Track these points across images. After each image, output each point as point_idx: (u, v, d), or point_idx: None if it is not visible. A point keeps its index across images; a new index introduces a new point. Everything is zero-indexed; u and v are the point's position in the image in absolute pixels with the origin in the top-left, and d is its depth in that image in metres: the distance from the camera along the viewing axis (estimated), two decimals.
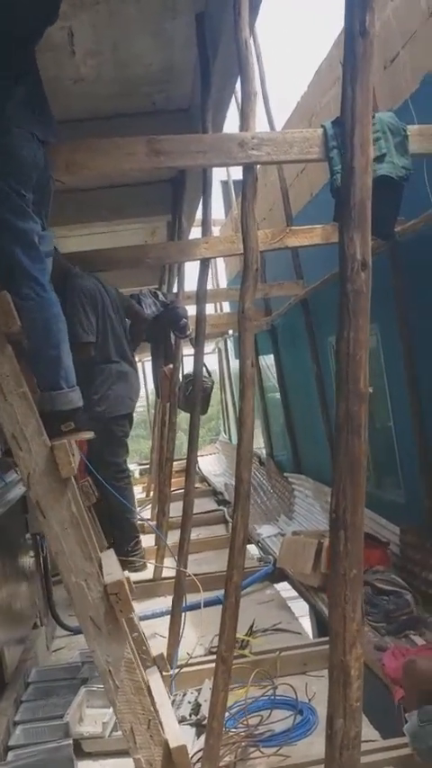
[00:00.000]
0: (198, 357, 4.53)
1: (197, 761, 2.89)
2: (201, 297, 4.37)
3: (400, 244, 4.26)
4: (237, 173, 10.83)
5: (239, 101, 7.54)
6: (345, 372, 1.71)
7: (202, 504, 8.79)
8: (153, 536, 5.71)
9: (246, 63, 3.13)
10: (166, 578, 5.58)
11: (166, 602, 5.19)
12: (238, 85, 4.75)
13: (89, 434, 2.66)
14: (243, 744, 3.12)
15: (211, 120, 4.17)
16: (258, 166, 3.26)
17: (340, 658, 1.65)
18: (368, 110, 1.75)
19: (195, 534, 5.91)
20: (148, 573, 5.62)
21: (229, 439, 15.02)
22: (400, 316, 4.79)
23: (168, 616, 4.41)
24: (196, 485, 4.89)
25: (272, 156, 3.09)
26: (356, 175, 1.72)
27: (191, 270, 6.41)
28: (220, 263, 12.90)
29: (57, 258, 4.03)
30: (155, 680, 2.84)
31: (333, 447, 5.49)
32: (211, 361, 14.81)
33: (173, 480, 5.84)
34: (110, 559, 2.77)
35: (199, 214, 7.69)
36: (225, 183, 11.07)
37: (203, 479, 11.11)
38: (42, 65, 2.76)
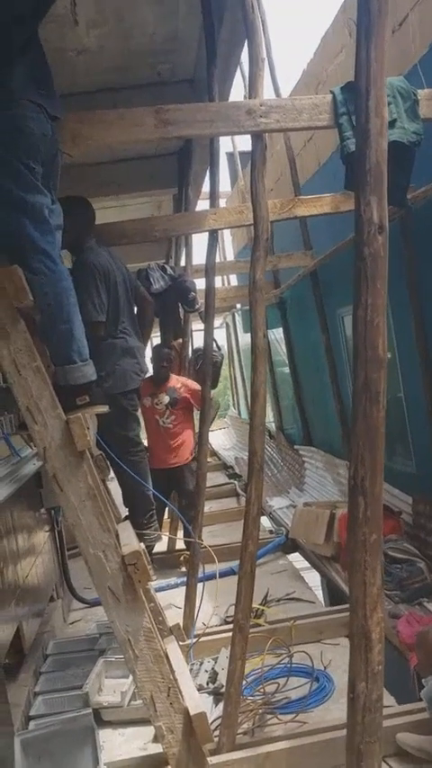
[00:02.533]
0: (208, 330, 4.51)
1: (215, 728, 2.93)
2: (210, 269, 4.34)
3: (412, 211, 4.20)
4: (242, 144, 10.72)
5: (245, 71, 7.45)
6: (362, 339, 1.69)
7: (213, 479, 8.85)
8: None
9: (253, 27, 3.08)
10: (180, 550, 5.64)
11: (180, 573, 5.26)
12: (243, 56, 4.70)
13: (104, 408, 2.66)
14: (260, 711, 3.16)
15: (218, 89, 4.11)
16: (266, 135, 3.22)
17: (361, 623, 1.66)
18: (383, 70, 1.71)
19: (207, 507, 5.95)
20: (162, 545, 5.68)
21: (239, 413, 15.04)
22: (411, 284, 4.75)
23: (183, 587, 4.46)
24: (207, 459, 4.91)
25: (281, 123, 3.05)
26: (371, 138, 1.69)
27: (198, 243, 6.37)
28: (227, 236, 12.81)
29: (70, 230, 4.01)
30: (173, 649, 2.88)
31: (344, 417, 5.51)
32: (220, 336, 14.79)
33: None
34: (126, 531, 2.79)
35: (206, 187, 7.65)
36: (231, 155, 10.94)
37: (214, 453, 11.17)
38: (45, 36, 2.72)
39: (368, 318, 1.68)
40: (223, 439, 13.31)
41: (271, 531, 6.43)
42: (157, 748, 2.93)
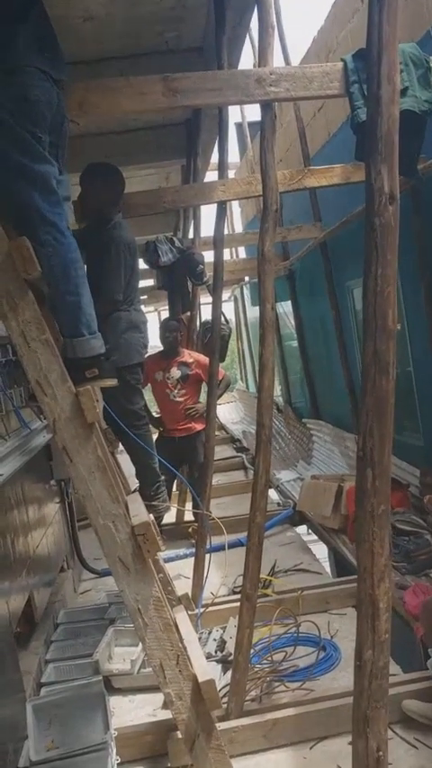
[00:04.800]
0: (216, 303, 4.50)
1: (224, 695, 2.98)
2: (218, 241, 4.31)
3: (422, 182, 4.15)
4: (251, 114, 10.57)
5: (253, 39, 7.33)
6: (372, 309, 1.68)
7: (221, 452, 8.89)
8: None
9: None
10: (188, 522, 5.70)
11: (188, 544, 5.32)
12: (252, 24, 4.61)
13: (113, 381, 2.66)
14: (268, 678, 3.21)
15: (226, 58, 4.04)
16: (275, 105, 3.18)
17: (368, 592, 1.68)
18: (395, 36, 1.67)
19: (215, 480, 5.99)
20: (170, 517, 5.73)
21: (246, 387, 15.05)
22: (422, 256, 4.71)
23: (191, 558, 4.51)
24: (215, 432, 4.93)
25: (291, 92, 3.00)
26: (383, 105, 1.66)
27: (206, 216, 6.32)
28: (235, 207, 12.70)
29: (102, 197, 4.00)
30: (182, 618, 2.92)
31: (353, 391, 5.50)
32: (228, 309, 14.73)
33: None
34: (135, 502, 2.81)
35: (214, 158, 7.56)
36: (239, 126, 10.81)
37: (221, 427, 11.20)
38: (50, 2, 2.67)
39: (378, 289, 1.67)
40: (231, 412, 13.34)
41: (278, 504, 6.48)
42: (166, 714, 2.99)
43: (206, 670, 2.48)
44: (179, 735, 2.56)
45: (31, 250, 2.32)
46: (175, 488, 5.98)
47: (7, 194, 2.39)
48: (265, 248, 2.97)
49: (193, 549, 4.65)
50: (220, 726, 2.63)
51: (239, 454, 9.23)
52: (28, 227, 2.39)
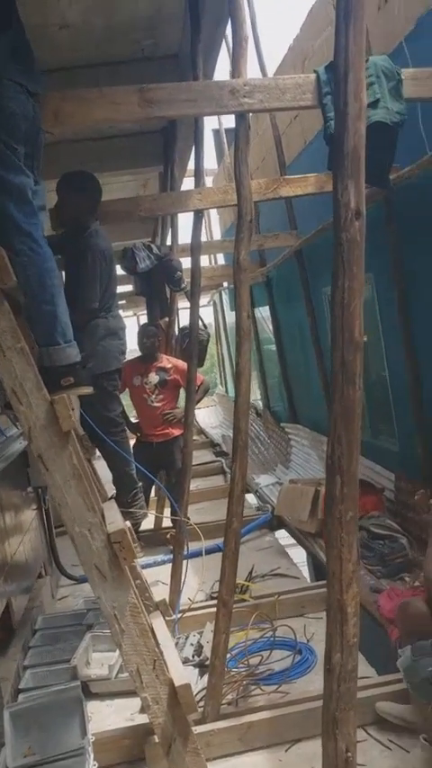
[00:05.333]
0: (194, 309, 4.53)
1: (200, 699, 3.01)
2: (195, 249, 4.34)
3: (395, 192, 4.22)
4: (228, 121, 10.62)
5: (230, 45, 7.35)
6: (340, 321, 1.72)
7: (200, 456, 8.91)
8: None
9: (236, 5, 3.06)
10: (166, 528, 5.71)
11: (166, 550, 5.33)
12: (228, 29, 4.66)
13: (89, 389, 2.68)
14: (244, 682, 3.24)
15: (202, 66, 4.08)
16: (251, 114, 3.22)
17: (337, 597, 1.72)
18: (361, 54, 1.72)
19: (194, 485, 6.01)
20: (148, 523, 5.74)
21: (226, 391, 15.09)
22: (395, 265, 4.78)
23: (169, 564, 4.53)
24: (194, 437, 4.95)
25: (264, 103, 3.04)
26: (350, 122, 1.70)
27: (184, 222, 6.37)
28: (214, 214, 12.76)
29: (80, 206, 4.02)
30: (158, 624, 2.94)
31: (329, 395, 5.54)
32: (207, 314, 14.78)
33: None
34: (111, 510, 2.83)
35: (191, 164, 7.60)
36: (217, 132, 10.87)
37: (201, 432, 11.21)
38: (26, 11, 2.69)
39: (345, 302, 1.71)
40: (210, 417, 13.36)
41: (258, 509, 6.52)
42: (143, 719, 3.01)
43: (182, 674, 2.51)
44: (156, 739, 2.58)
45: (7, 260, 2.33)
46: (153, 494, 5.99)
47: None
48: (240, 257, 3.01)
49: (171, 556, 4.67)
50: (197, 729, 2.66)
51: (219, 459, 9.26)
52: (3, 237, 2.41)
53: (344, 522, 1.73)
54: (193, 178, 5.54)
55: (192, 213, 4.51)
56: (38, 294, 2.50)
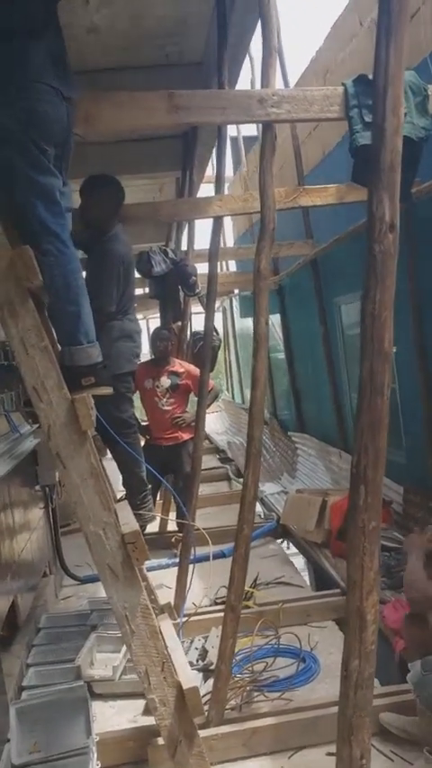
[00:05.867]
0: (209, 315, 4.55)
1: (205, 703, 3.01)
2: (213, 255, 4.36)
3: (415, 205, 4.24)
4: (246, 129, 10.66)
5: (251, 54, 7.36)
6: (370, 332, 1.74)
7: (206, 462, 8.84)
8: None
9: (268, 15, 3.09)
10: (171, 532, 5.72)
11: (170, 554, 5.34)
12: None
13: (109, 390, 2.71)
14: (248, 688, 3.25)
15: (227, 74, 4.11)
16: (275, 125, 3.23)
17: (357, 604, 1.73)
18: (401, 71, 1.74)
19: (199, 491, 6.01)
20: (153, 526, 5.75)
21: (232, 398, 15.10)
22: (411, 278, 4.80)
23: (174, 568, 4.53)
24: None
25: (292, 114, 3.07)
26: (387, 137, 1.73)
27: (199, 228, 6.39)
28: (227, 221, 12.79)
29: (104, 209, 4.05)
30: (166, 626, 2.95)
31: (338, 405, 5.52)
32: (217, 321, 14.77)
33: None
34: (124, 510, 2.85)
35: (209, 171, 7.63)
36: (235, 140, 10.89)
37: (206, 437, 11.21)
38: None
39: (376, 313, 1.73)
40: (216, 423, 13.37)
41: (261, 516, 6.52)
42: (146, 721, 3.03)
43: (190, 677, 2.53)
44: (160, 741, 2.60)
45: (34, 259, 2.36)
46: (159, 497, 6.00)
47: (12, 204, 2.45)
48: (261, 265, 3.02)
49: (176, 559, 4.68)
50: (201, 733, 2.65)
51: (224, 465, 9.27)
52: (31, 237, 2.44)
53: (367, 532, 1.75)
54: (208, 184, 5.57)
55: (207, 219, 4.53)
56: (62, 294, 2.53)
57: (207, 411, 5.58)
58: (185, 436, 5.64)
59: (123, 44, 4.77)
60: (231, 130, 11.02)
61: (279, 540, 5.94)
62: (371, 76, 1.91)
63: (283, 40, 7.51)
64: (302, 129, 7.13)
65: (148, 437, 5.80)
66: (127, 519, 2.66)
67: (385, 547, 4.42)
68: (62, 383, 2.42)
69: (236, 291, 12.31)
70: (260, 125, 3.54)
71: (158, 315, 6.88)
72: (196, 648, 3.71)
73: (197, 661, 3.60)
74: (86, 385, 2.55)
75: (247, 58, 6.39)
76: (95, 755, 2.62)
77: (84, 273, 3.52)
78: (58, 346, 2.62)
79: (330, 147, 6.44)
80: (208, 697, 3.05)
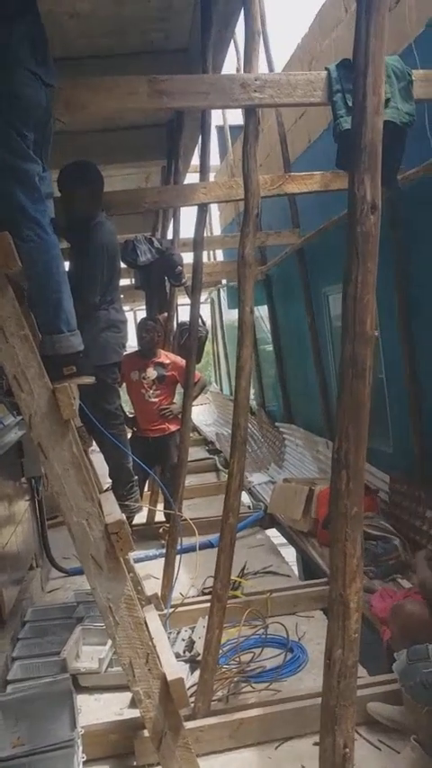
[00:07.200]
0: (194, 305, 4.52)
1: (191, 695, 2.99)
2: (198, 243, 4.33)
3: (401, 192, 4.21)
4: (233, 118, 10.61)
5: (237, 42, 7.30)
6: (352, 315, 1.72)
7: (194, 453, 8.88)
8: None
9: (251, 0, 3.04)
10: (158, 522, 5.70)
11: (158, 545, 5.32)
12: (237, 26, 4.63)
13: (90, 379, 2.67)
14: (235, 679, 3.23)
15: (211, 60, 4.06)
16: (258, 110, 3.20)
17: (340, 592, 1.71)
18: (381, 49, 1.71)
19: (187, 481, 5.97)
20: (141, 517, 5.72)
21: (221, 389, 15.08)
22: (398, 265, 4.78)
23: (161, 559, 4.51)
24: None
25: (275, 98, 3.03)
26: (368, 116, 1.69)
27: (185, 216, 6.33)
28: (214, 210, 12.73)
29: (87, 199, 3.98)
30: (151, 617, 2.93)
31: (326, 396, 5.50)
32: (204, 312, 14.72)
33: None
34: (108, 501, 2.82)
35: (195, 160, 7.56)
36: (221, 129, 10.83)
37: (195, 429, 11.20)
38: None
39: (358, 295, 1.71)
40: (205, 414, 13.36)
41: (249, 507, 6.51)
42: (132, 713, 3.01)
43: (175, 669, 2.51)
44: (146, 733, 2.57)
45: (12, 245, 2.31)
46: (146, 489, 5.97)
47: None
48: (245, 252, 2.99)
49: (163, 550, 4.66)
50: (187, 725, 2.64)
51: (212, 456, 9.26)
52: (10, 223, 2.39)
53: (349, 517, 1.72)
54: (194, 174, 5.50)
55: (193, 208, 4.49)
56: (43, 281, 2.49)
57: (194, 403, 5.56)
58: (172, 427, 5.61)
59: (107, 30, 4.70)
60: (217, 119, 10.96)
61: (267, 530, 5.93)
62: None
63: (271, 27, 7.48)
64: (288, 116, 7.08)
65: (134, 429, 5.77)
66: (111, 509, 2.63)
67: (372, 535, 4.42)
68: (43, 372, 2.38)
69: (224, 282, 12.27)
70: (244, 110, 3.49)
71: (144, 306, 6.83)
72: (183, 639, 3.69)
73: (184, 652, 3.58)
74: (68, 374, 2.51)
75: (233, 47, 6.37)
76: (81, 748, 2.59)
77: (67, 263, 3.47)
78: (39, 335, 2.57)
79: (316, 134, 6.40)
80: (195, 688, 3.03)
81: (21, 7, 2.42)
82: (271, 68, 7.18)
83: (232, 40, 5.20)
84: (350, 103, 2.88)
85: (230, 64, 9.91)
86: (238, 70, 8.58)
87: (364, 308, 1.71)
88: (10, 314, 2.32)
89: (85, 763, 2.59)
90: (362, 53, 1.71)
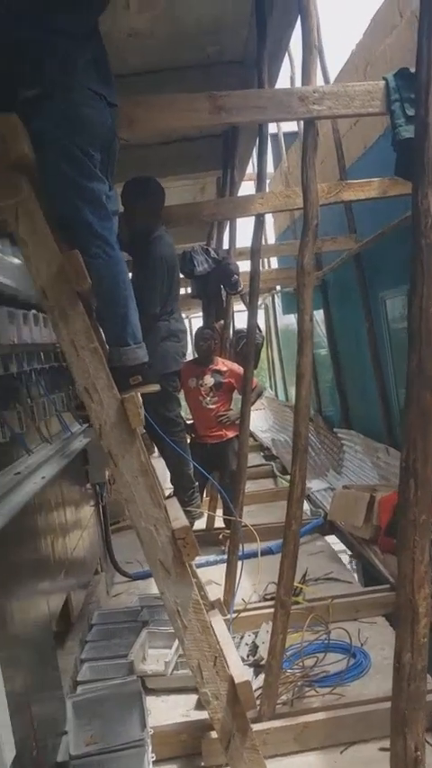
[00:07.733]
0: (252, 313, 4.57)
1: (257, 698, 3.03)
2: (255, 252, 4.38)
3: None
4: (287, 125, 10.62)
5: (290, 51, 7.30)
6: (417, 325, 1.74)
7: (250, 459, 8.85)
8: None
9: (308, 13, 3.09)
10: (218, 528, 5.76)
11: (218, 551, 5.38)
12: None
13: (156, 387, 2.75)
14: (299, 683, 3.26)
15: (267, 72, 4.12)
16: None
17: (408, 597, 1.74)
18: None
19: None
20: (200, 523, 5.79)
21: (276, 395, 15.08)
22: None
23: (222, 565, 4.57)
24: None
25: (333, 110, 3.06)
26: (431, 131, 1.72)
27: (240, 225, 6.40)
28: (268, 218, 12.74)
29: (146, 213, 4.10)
30: (216, 621, 2.99)
31: (385, 401, 5.46)
32: (259, 318, 14.75)
33: None
34: (174, 507, 2.89)
35: (250, 169, 7.63)
36: (275, 136, 10.87)
37: (251, 435, 11.22)
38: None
39: (423, 306, 1.73)
40: (260, 420, 13.37)
41: (307, 513, 6.50)
42: (199, 715, 3.07)
43: (242, 672, 2.56)
44: (214, 735, 2.63)
45: (83, 263, 2.41)
46: (205, 495, 6.05)
47: (61, 210, 2.50)
48: (304, 261, 3.03)
49: (224, 556, 4.71)
50: (253, 727, 2.68)
51: (268, 462, 9.27)
52: (79, 241, 2.49)
53: (417, 525, 1.75)
54: (248, 182, 5.55)
55: (249, 217, 4.55)
56: (110, 296, 2.58)
57: (251, 409, 5.61)
58: (230, 434, 5.67)
59: (164, 46, 4.81)
60: (272, 127, 11.00)
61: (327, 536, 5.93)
62: (412, 69, 1.91)
63: (323, 33, 7.48)
64: (343, 123, 7.08)
65: (193, 435, 5.85)
66: (177, 515, 2.70)
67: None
68: (112, 383, 2.47)
69: (278, 288, 12.29)
70: (301, 122, 3.54)
71: (201, 314, 6.91)
72: (246, 644, 3.73)
73: (248, 656, 3.63)
74: (134, 384, 2.60)
75: (286, 56, 6.39)
76: (150, 748, 2.67)
77: (129, 276, 3.58)
78: (107, 347, 2.67)
79: (372, 140, 6.38)
80: (259, 692, 3.07)
81: (87, 30, 2.52)
82: (325, 76, 7.19)
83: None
84: (409, 113, 2.90)
85: (284, 72, 9.93)
86: (291, 79, 8.63)
87: (429, 319, 1.74)
88: (80, 328, 2.42)
89: (154, 762, 2.66)
90: (424, 69, 1.74)
